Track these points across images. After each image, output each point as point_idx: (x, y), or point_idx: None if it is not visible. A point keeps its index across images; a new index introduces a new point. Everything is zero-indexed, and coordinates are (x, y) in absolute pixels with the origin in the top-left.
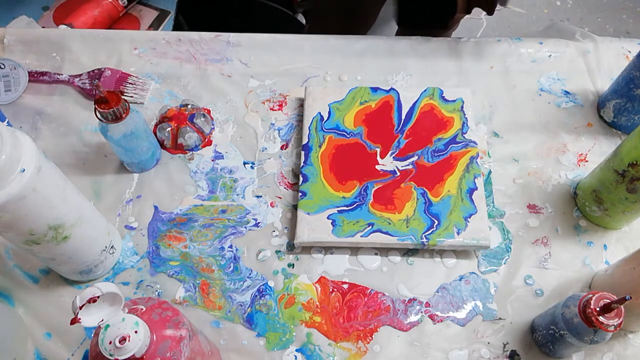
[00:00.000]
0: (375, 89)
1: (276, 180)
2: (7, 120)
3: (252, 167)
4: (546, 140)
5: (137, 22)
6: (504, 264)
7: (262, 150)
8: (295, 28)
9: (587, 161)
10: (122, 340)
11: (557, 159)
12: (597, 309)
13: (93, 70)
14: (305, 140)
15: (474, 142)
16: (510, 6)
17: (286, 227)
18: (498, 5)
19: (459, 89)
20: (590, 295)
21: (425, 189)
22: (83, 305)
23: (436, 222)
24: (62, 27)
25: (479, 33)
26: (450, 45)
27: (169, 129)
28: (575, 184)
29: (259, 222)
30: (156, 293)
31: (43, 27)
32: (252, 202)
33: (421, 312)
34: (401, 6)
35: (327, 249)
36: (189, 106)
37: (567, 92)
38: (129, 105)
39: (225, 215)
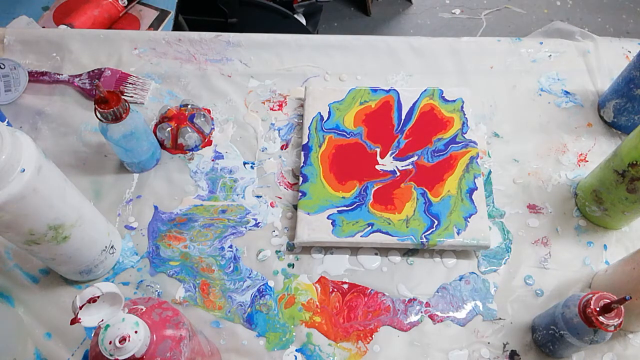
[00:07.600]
0: (375, 89)
1: (276, 180)
2: (7, 120)
3: (252, 167)
4: (546, 140)
5: (137, 22)
6: (504, 264)
7: (262, 150)
8: (295, 28)
9: (587, 161)
10: (122, 340)
11: (557, 159)
12: (597, 309)
13: (93, 70)
14: (305, 140)
15: (474, 142)
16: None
17: (286, 227)
18: None
19: (459, 89)
20: (590, 295)
21: (425, 189)
22: (83, 305)
23: (436, 222)
24: (62, 27)
25: (479, 33)
26: (450, 45)
27: (169, 129)
28: (575, 184)
29: (259, 222)
30: (156, 293)
31: (43, 27)
32: (252, 202)
33: (421, 312)
34: None
35: (327, 249)
36: (189, 106)
37: (567, 92)
38: (129, 105)
39: (225, 215)
